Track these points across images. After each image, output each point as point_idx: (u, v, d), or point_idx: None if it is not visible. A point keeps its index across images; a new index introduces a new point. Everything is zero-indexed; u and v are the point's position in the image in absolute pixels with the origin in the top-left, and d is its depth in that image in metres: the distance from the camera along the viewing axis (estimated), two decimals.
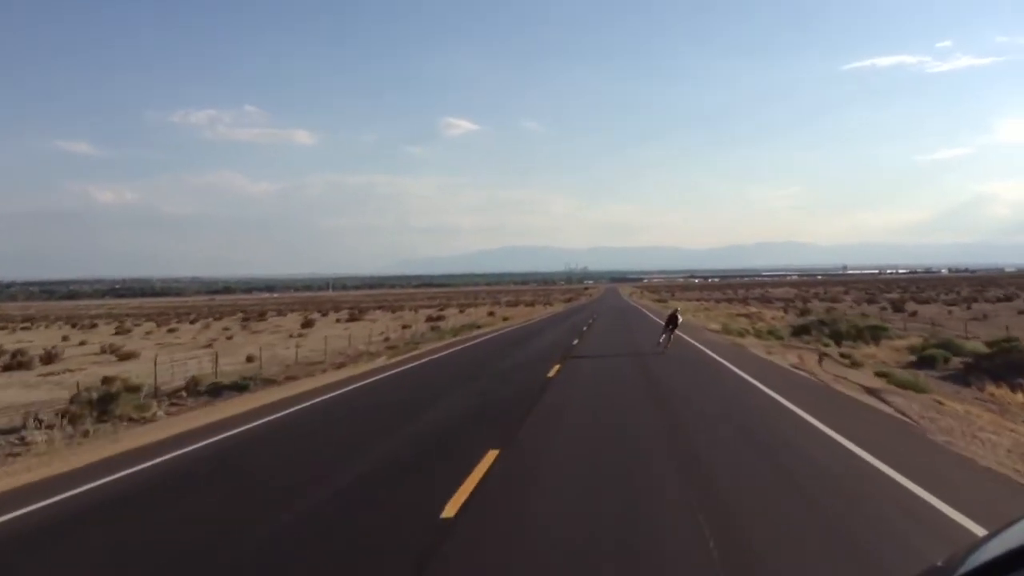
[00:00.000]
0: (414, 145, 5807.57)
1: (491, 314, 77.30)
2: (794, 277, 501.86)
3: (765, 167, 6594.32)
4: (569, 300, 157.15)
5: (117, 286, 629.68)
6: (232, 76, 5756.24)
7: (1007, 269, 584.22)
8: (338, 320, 79.00)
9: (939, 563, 1.35)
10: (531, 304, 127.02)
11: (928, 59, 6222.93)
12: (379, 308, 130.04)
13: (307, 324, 64.94)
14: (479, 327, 51.13)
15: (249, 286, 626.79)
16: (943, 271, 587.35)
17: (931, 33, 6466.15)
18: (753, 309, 65.82)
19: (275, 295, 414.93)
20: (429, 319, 68.64)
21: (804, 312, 55.35)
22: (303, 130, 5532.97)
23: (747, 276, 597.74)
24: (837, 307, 70.31)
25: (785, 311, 60.48)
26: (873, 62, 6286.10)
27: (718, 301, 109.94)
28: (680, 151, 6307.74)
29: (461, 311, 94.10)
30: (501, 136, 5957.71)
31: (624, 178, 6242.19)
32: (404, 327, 55.75)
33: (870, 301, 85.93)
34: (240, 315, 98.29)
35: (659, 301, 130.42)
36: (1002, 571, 1.14)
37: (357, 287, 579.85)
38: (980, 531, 6.79)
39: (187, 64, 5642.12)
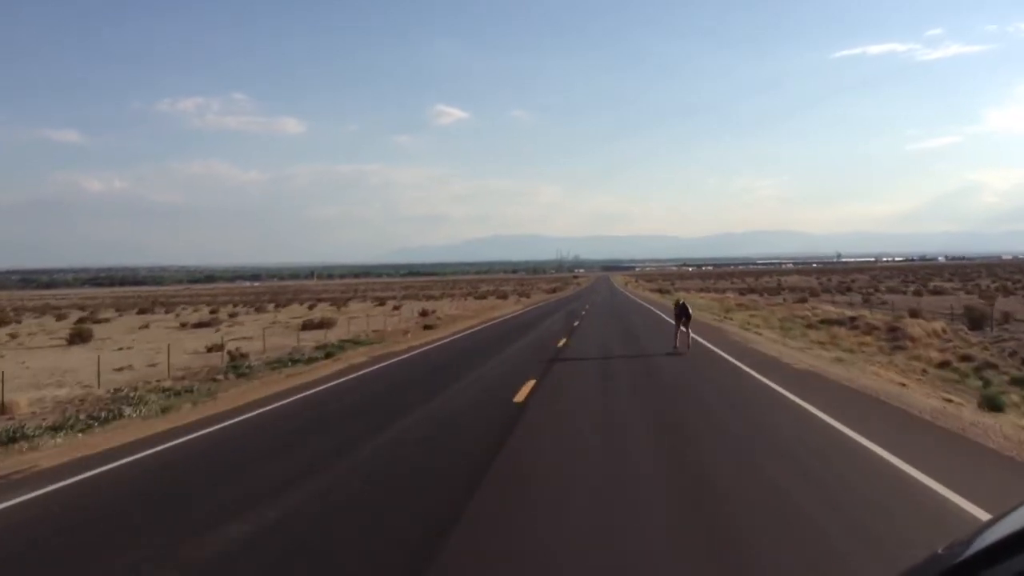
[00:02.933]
0: (403, 134, 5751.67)
1: (424, 314, 50.62)
2: (789, 265, 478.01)
3: (756, 156, 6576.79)
4: (553, 291, 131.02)
5: (102, 275, 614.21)
6: (220, 63, 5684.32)
7: (1004, 257, 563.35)
8: (181, 326, 51.89)
9: (939, 550, 1.34)
10: (504, 296, 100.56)
11: (918, 47, 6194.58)
12: (316, 300, 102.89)
13: (76, 337, 37.71)
14: (328, 357, 24.24)
15: (236, 275, 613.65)
16: (940, 259, 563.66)
17: (921, 21, 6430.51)
18: (838, 309, 38.89)
19: (256, 284, 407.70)
20: (306, 326, 41.83)
21: (977, 322, 28.31)
22: (292, 118, 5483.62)
23: (741, 264, 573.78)
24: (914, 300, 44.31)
25: (925, 316, 32.83)
26: (864, 50, 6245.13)
27: (741, 292, 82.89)
28: (670, 140, 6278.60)
29: (396, 308, 66.98)
30: (490, 125, 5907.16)
31: (614, 167, 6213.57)
32: (211, 349, 29.09)
33: (977, 295, 58.80)
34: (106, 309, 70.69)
35: (660, 292, 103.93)
36: (1002, 556, 1.16)
37: (342, 276, 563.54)
38: None
39: (174, 51, 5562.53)
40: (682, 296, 31.09)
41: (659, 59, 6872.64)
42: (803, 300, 55.47)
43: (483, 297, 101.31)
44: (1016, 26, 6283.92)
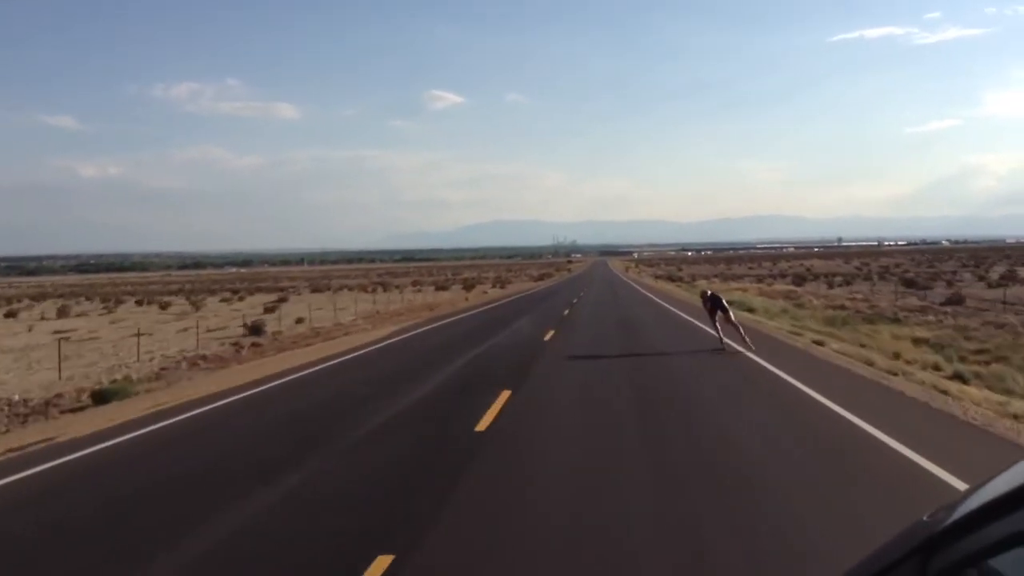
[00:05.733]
0: (400, 118, 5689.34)
1: (251, 332, 26.50)
2: (791, 250, 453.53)
3: (753, 140, 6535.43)
4: (541, 278, 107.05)
5: (92, 261, 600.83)
6: (212, 48, 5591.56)
7: (1008, 240, 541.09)
8: None
9: (924, 517, 1.35)
10: (470, 287, 76.44)
11: (916, 30, 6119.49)
12: (243, 291, 78.60)
13: None
14: None
15: (226, 261, 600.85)
16: (944, 243, 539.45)
17: (920, 4, 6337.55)
18: None
19: (243, 270, 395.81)
20: None
21: None
22: (287, 103, 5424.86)
23: (741, 249, 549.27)
24: None
25: None
26: (861, 34, 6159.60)
27: (795, 282, 57.93)
28: (667, 124, 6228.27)
29: (269, 310, 42.22)
30: (487, 109, 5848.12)
31: (612, 152, 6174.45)
32: None
33: None
34: None
35: (669, 279, 79.74)
36: (983, 522, 1.17)
37: (335, 262, 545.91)
38: None
39: (166, 36, 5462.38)
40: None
41: (656, 40, 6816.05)
42: (957, 301, 30.92)
43: (444, 289, 77.07)
44: (1015, 9, 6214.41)
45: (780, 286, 51.76)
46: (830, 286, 50.66)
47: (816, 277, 71.17)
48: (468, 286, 78.46)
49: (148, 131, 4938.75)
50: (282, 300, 55.37)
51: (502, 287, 78.02)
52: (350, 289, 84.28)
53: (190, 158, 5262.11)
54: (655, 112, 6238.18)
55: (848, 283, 54.49)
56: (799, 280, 60.86)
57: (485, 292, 64.11)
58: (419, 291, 73.00)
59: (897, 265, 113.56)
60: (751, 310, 30.18)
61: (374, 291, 76.25)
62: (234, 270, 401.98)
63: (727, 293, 47.62)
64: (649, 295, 44.65)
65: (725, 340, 16.26)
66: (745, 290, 47.49)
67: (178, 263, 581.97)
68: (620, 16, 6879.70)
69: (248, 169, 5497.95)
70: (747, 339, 16.22)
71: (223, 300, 60.60)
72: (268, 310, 39.97)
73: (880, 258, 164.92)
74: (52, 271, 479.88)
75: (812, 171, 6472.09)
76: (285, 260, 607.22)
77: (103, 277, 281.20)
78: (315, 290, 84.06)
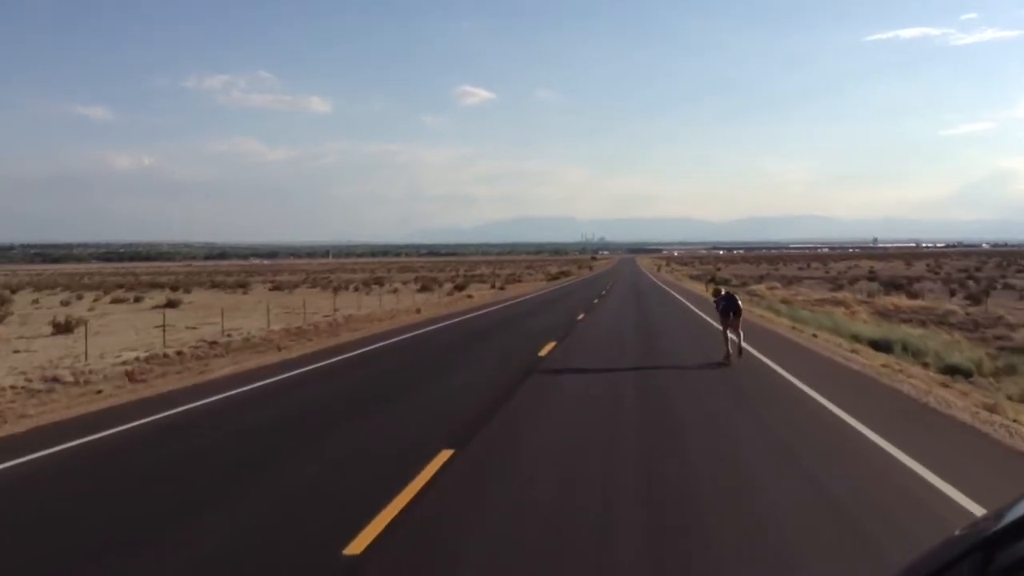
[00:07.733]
0: (430, 114, 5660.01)
1: None
2: (825, 250, 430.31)
3: (784, 139, 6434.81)
4: (555, 277, 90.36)
5: (120, 251, 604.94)
6: (247, 41, 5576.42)
7: None
8: None
9: (957, 532, 1.29)
10: (459, 287, 59.47)
11: (953, 31, 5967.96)
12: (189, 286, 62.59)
13: None
14: None
15: (252, 252, 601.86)
16: (984, 245, 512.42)
17: (956, 5, 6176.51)
18: None
19: (266, 262, 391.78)
20: None
21: None
22: (318, 97, 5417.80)
23: (774, 249, 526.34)
24: None
25: None
26: (897, 34, 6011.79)
27: (914, 296, 39.68)
28: (697, 122, 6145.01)
29: (60, 330, 25.82)
30: (516, 105, 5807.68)
31: (641, 149, 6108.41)
32: None
33: None
34: None
35: (710, 283, 62.34)
36: (1017, 537, 1.13)
37: (360, 255, 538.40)
38: None
39: (201, 27, 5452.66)
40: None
41: (687, 38, 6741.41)
42: None
43: (429, 289, 60.14)
44: None
45: (896, 298, 34.01)
46: (974, 300, 32.79)
47: (906, 282, 53.21)
48: (459, 286, 61.61)
49: (180, 123, 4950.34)
50: (171, 304, 38.78)
51: (502, 288, 61.23)
52: (324, 287, 68.21)
53: (222, 150, 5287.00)
54: (683, 109, 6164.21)
55: (987, 293, 36.43)
56: (901, 288, 42.69)
57: (469, 297, 47.15)
58: (395, 291, 56.48)
59: (978, 268, 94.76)
60: (963, 371, 12.89)
61: (338, 291, 59.82)
62: (257, 261, 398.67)
63: (812, 308, 29.94)
64: (706, 318, 27.08)
65: (733, 341, 14.92)
66: (848, 308, 29.77)
67: (203, 253, 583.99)
68: (652, 13, 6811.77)
69: (279, 162, 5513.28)
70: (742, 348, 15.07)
71: (115, 301, 44.36)
72: (59, 328, 23.37)
73: (940, 260, 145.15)
74: (78, 259, 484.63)
75: (843, 172, 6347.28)
76: (312, 253, 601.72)
77: (110, 266, 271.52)
78: (275, 287, 67.80)
